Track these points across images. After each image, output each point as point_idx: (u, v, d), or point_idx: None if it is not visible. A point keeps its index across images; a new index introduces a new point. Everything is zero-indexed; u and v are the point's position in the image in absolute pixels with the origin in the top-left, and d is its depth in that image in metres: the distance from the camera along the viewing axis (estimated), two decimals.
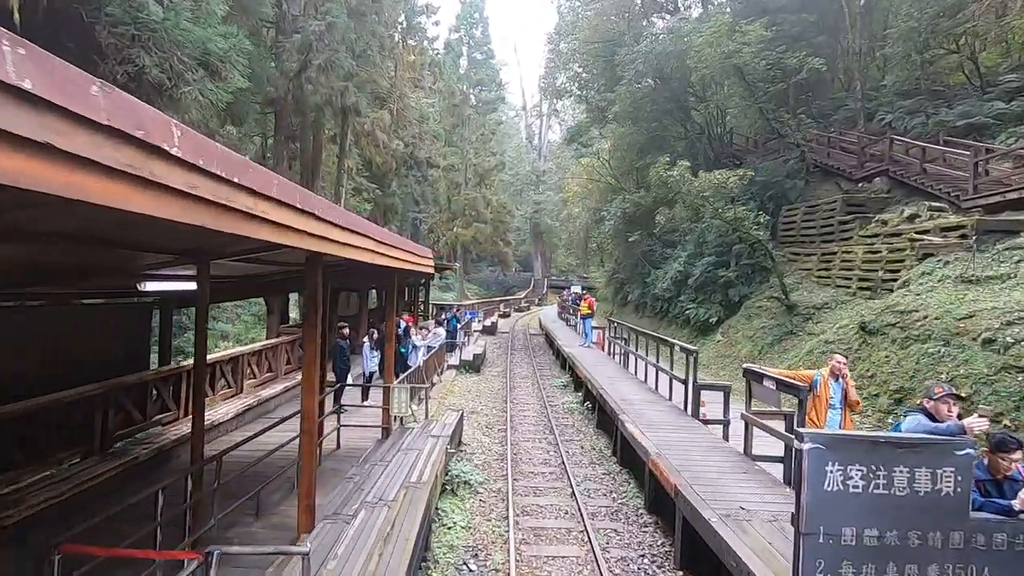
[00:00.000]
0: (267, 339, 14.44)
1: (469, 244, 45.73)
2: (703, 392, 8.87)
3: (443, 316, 18.09)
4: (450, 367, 15.58)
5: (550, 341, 22.94)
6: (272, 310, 14.24)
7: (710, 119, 26.34)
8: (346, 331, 11.11)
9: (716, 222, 21.85)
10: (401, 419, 9.32)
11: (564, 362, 16.98)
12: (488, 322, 28.42)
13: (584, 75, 32.48)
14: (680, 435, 7.50)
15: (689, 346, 8.47)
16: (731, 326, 19.64)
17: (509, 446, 8.96)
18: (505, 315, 39.46)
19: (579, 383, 13.63)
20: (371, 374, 11.83)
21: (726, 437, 8.04)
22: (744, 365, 6.65)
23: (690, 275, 22.25)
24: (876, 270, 14.98)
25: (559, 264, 77.46)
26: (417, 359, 11.15)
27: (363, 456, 7.71)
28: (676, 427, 7.82)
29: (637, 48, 24.17)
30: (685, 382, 8.55)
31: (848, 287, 15.94)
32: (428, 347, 14.34)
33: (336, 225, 4.74)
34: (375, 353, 11.75)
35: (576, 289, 61.09)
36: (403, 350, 12.33)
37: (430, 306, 34.40)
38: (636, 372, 12.55)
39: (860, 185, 19.11)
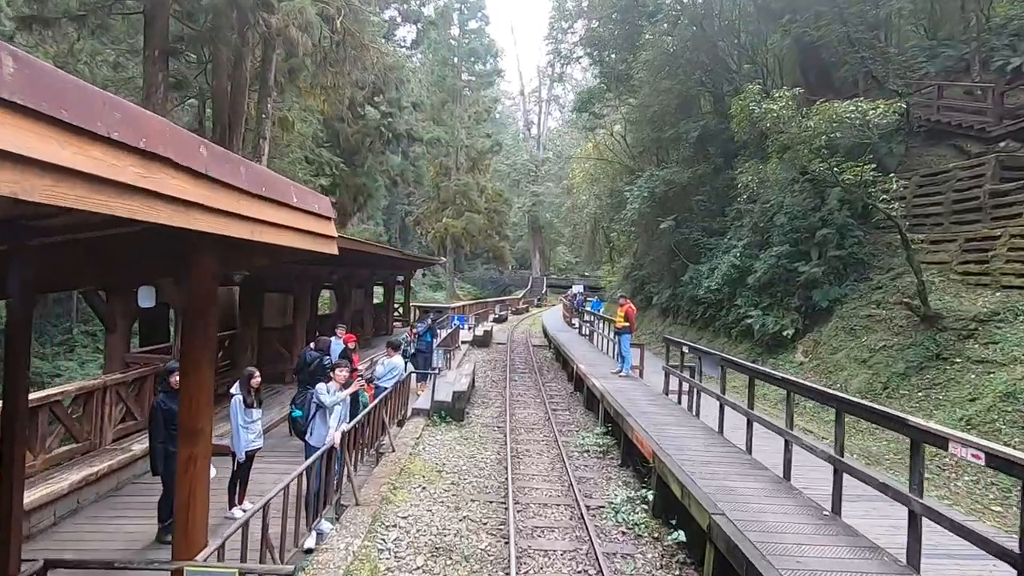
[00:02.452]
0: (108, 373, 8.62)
1: (460, 237, 39.97)
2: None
3: (403, 337, 12.37)
4: (416, 413, 9.91)
5: (562, 359, 17.26)
6: (114, 324, 8.44)
7: (763, 72, 20.68)
8: (174, 377, 5.35)
9: (787, 200, 16.29)
10: None
11: (592, 399, 11.33)
12: (480, 330, 22.74)
13: (599, 31, 26.77)
14: None
15: None
16: (819, 342, 14.02)
17: None
18: (501, 319, 33.75)
19: (630, 449, 8.00)
20: (244, 463, 6.12)
21: None
22: None
23: (750, 271, 16.63)
24: None
25: (558, 262, 71.99)
26: (327, 435, 5.44)
27: None
28: None
29: None
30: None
31: None
32: (381, 385, 8.65)
33: None
34: (252, 416, 6.04)
35: (578, 289, 55.45)
36: (297, 413, 6.42)
37: (411, 309, 28.67)
38: (752, 449, 6.75)
39: (1005, 144, 13.49)
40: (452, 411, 9.86)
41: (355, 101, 20.15)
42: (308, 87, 14.48)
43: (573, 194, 42.42)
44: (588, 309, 23.95)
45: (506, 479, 7.26)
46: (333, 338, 10.00)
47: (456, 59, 41.82)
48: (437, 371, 12.12)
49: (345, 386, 5.86)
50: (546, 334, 25.42)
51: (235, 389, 6.15)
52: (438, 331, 13.89)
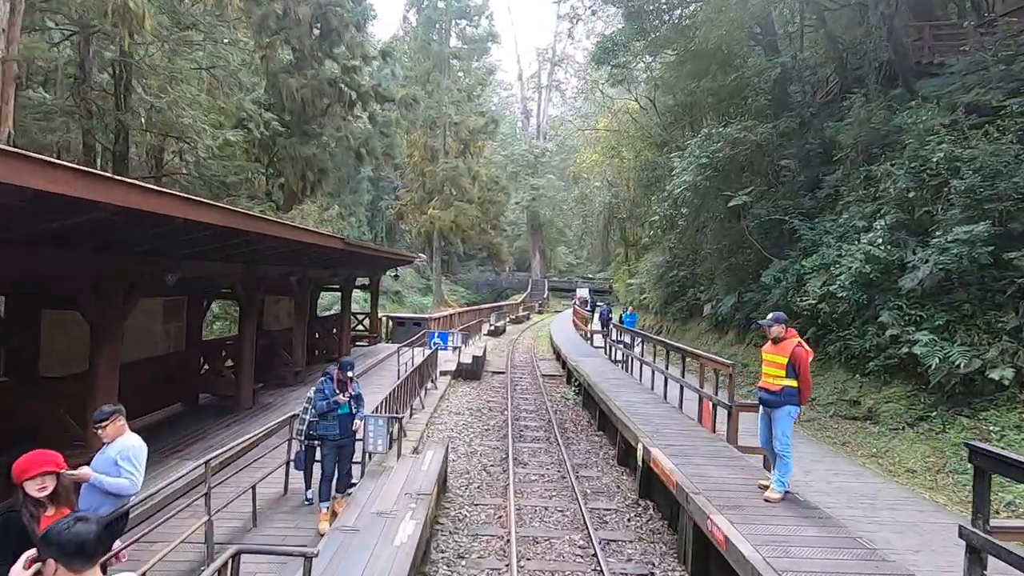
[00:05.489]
0: None
1: (449, 231, 33.51)
2: None
3: (316, 391, 5.80)
4: None
5: (593, 405, 10.75)
6: None
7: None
8: None
9: (966, 151, 9.90)
10: None
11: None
12: (468, 354, 16.18)
13: None
14: None
15: None
16: None
17: None
18: (497, 331, 27.22)
19: None
20: None
21: None
22: None
23: (902, 267, 10.31)
24: None
25: (559, 263, 65.74)
26: None
27: None
28: None
29: None
30: None
31: None
32: None
33: None
34: None
35: (584, 292, 48.81)
36: None
37: (381, 322, 22.18)
38: None
39: None
40: None
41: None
42: None
43: (582, 181, 36.02)
44: (617, 323, 17.48)
45: None
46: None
47: (444, 26, 35.44)
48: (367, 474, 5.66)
49: None
50: (558, 355, 18.96)
51: None
52: (364, 385, 7.19)
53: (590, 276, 61.19)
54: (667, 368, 9.88)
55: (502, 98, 73.65)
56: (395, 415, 7.01)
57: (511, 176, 55.06)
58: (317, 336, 17.40)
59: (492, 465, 8.03)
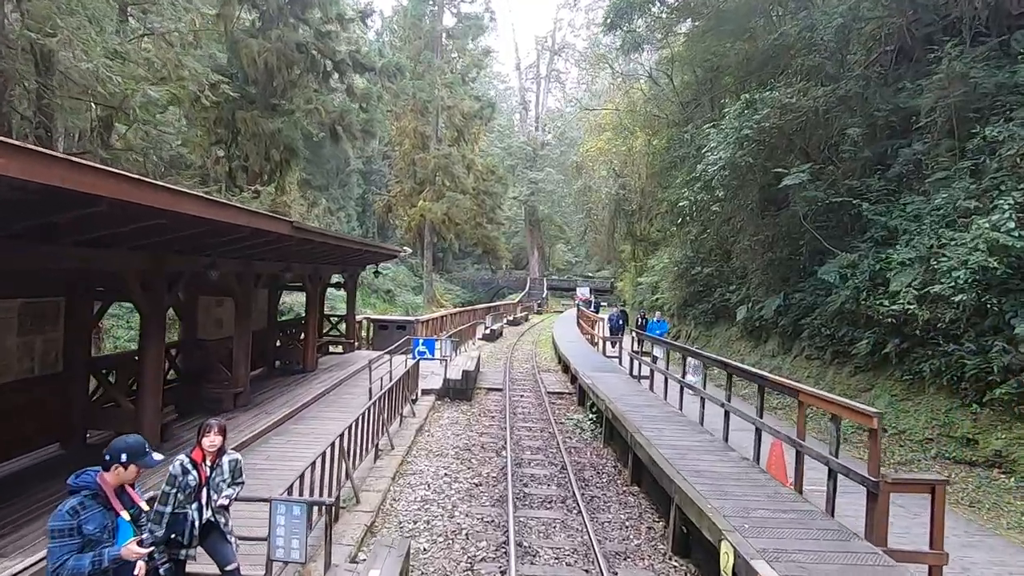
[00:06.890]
0: None
1: (441, 225, 30.70)
2: None
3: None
4: None
5: (632, 457, 7.88)
6: None
7: None
8: None
9: None
10: None
11: None
12: (457, 369, 13.33)
13: None
14: None
15: None
16: None
17: None
18: (492, 335, 24.41)
19: None
20: None
21: None
22: None
23: None
24: None
25: (557, 261, 63.05)
26: None
27: None
28: None
29: None
30: None
31: None
32: None
33: None
34: None
35: (584, 292, 46.11)
36: None
37: (361, 325, 19.40)
38: None
39: None
40: None
41: None
42: None
43: (585, 171, 33.23)
44: (640, 331, 14.76)
45: None
46: None
47: (437, 1, 32.59)
48: None
49: None
50: (565, 367, 16.22)
51: None
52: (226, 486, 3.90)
53: (590, 275, 58.50)
54: (730, 399, 7.09)
55: (499, 90, 70.77)
56: (322, 500, 4.22)
57: (508, 169, 52.37)
58: (279, 344, 14.65)
59: (483, 559, 5.25)
